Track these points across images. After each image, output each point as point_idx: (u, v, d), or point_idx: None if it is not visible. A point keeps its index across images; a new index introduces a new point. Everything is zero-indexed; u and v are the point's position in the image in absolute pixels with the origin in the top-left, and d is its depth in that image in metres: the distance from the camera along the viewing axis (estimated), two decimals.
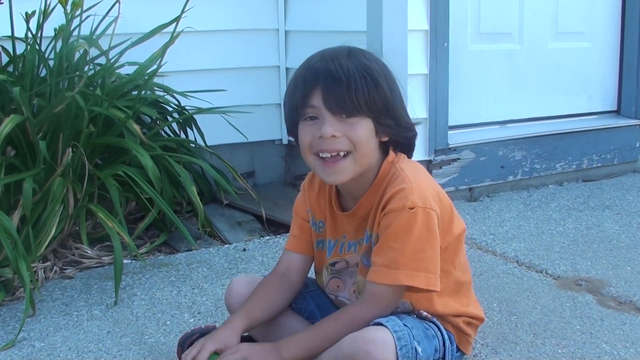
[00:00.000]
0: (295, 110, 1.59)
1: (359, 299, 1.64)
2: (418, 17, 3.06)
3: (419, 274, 1.55)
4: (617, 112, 3.80)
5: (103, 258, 2.61)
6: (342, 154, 1.56)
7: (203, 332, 1.80)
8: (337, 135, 1.55)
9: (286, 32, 3.48)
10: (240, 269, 2.52)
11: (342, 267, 1.73)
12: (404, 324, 1.54)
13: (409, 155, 1.69)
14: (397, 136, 1.62)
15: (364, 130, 1.56)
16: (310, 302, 1.82)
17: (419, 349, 1.54)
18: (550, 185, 3.48)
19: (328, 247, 1.74)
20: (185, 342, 1.79)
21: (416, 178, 1.59)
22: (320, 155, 1.57)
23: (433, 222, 1.55)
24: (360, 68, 1.55)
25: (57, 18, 2.70)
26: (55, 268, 2.50)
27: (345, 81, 1.53)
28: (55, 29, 2.69)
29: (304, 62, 1.62)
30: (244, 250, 2.71)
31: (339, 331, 1.55)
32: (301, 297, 1.81)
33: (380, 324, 1.52)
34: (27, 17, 2.58)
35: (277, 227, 2.95)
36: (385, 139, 1.62)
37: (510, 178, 3.39)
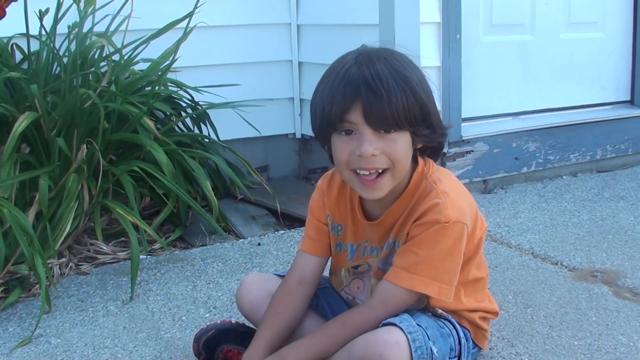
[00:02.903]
0: (331, 124, 1.51)
1: (366, 302, 1.60)
2: (430, 10, 3.03)
3: (434, 283, 1.53)
4: (631, 102, 3.75)
5: (118, 254, 2.60)
6: (380, 170, 1.52)
7: (219, 328, 1.80)
8: (377, 154, 1.49)
9: (298, 26, 3.46)
10: (255, 264, 2.51)
11: (365, 270, 1.70)
12: (417, 324, 1.51)
13: (436, 158, 1.65)
14: (431, 143, 1.57)
15: (403, 146, 1.51)
16: (322, 299, 1.78)
17: (434, 349, 1.51)
18: (564, 177, 3.46)
19: (350, 251, 1.70)
20: (202, 338, 1.79)
21: (451, 190, 1.56)
22: (358, 172, 1.52)
23: (462, 236, 1.54)
24: (399, 80, 1.47)
25: (70, 15, 2.71)
26: (70, 264, 2.50)
27: (386, 96, 1.46)
28: (68, 27, 2.69)
29: (336, 65, 1.53)
30: (259, 244, 2.70)
31: (346, 336, 1.52)
32: (313, 295, 1.76)
33: (394, 325, 1.49)
34: (41, 15, 2.58)
35: (292, 221, 2.94)
36: (419, 146, 1.57)
37: (524, 169, 3.37)
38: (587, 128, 3.49)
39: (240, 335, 1.77)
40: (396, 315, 1.54)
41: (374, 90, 1.46)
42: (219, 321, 1.84)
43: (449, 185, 1.57)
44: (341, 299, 1.77)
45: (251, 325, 1.80)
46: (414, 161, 1.60)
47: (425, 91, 1.52)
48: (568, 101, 3.61)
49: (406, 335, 1.46)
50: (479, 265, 1.69)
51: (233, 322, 1.84)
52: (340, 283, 1.76)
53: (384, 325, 1.50)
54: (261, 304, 1.71)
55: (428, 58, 3.03)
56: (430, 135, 1.55)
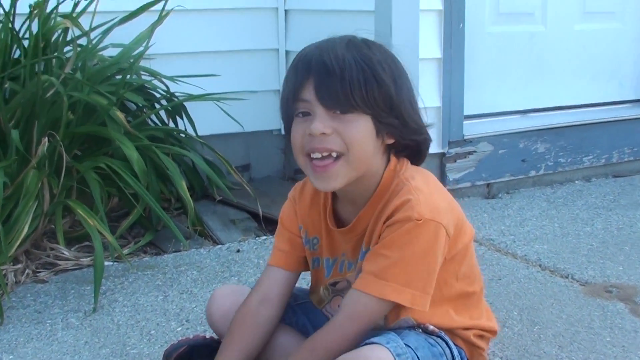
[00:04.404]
0: (286, 104, 1.55)
1: (332, 319, 1.57)
2: None
3: (406, 290, 1.50)
4: None
5: (81, 260, 2.60)
6: (334, 154, 1.50)
7: (191, 344, 1.79)
8: (328, 133, 1.49)
9: (286, 11, 3.47)
10: (234, 272, 2.51)
11: (344, 287, 1.67)
12: (406, 344, 1.49)
13: (418, 161, 1.63)
14: (403, 138, 1.56)
15: (359, 129, 1.50)
16: (302, 315, 1.77)
17: None
18: (576, 181, 3.47)
19: (326, 267, 1.69)
20: (172, 355, 1.78)
21: (425, 188, 1.54)
22: (311, 156, 1.52)
23: (438, 238, 1.51)
24: (358, 58, 1.49)
25: None
26: (27, 271, 2.49)
27: (339, 72, 1.47)
28: (30, 5, 2.66)
29: (299, 51, 1.57)
30: (238, 251, 2.70)
31: None
32: (290, 311, 1.76)
33: (379, 345, 1.47)
34: None
35: (275, 226, 2.88)
36: (390, 141, 1.56)
37: (532, 173, 3.38)
38: (603, 128, 3.50)
39: (215, 352, 1.72)
40: (375, 331, 1.53)
41: (327, 67, 1.48)
42: (191, 336, 1.84)
43: (423, 183, 1.56)
44: (322, 315, 1.74)
45: None
46: (387, 161, 1.60)
47: (393, 76, 1.52)
48: (582, 98, 3.63)
49: (394, 358, 1.44)
50: (469, 277, 1.67)
51: (207, 337, 1.83)
52: (320, 301, 1.74)
53: (367, 344, 1.48)
54: None
55: (428, 49, 3.04)
56: (400, 127, 1.54)
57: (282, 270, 1.71)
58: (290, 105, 1.53)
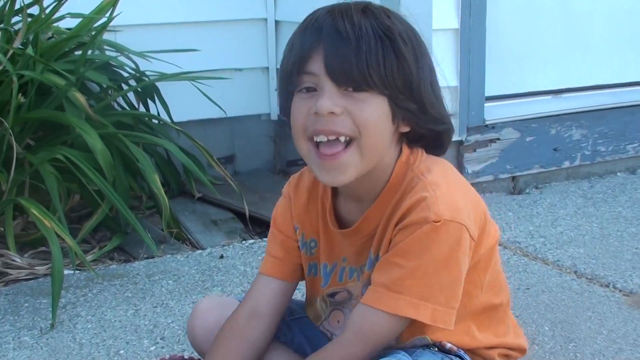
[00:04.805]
0: (288, 77, 1.52)
1: (339, 337, 1.58)
2: None
3: (426, 305, 1.49)
4: None
5: (36, 268, 2.61)
6: (342, 139, 1.49)
7: None
8: (337, 112, 1.47)
9: None
10: (217, 282, 2.53)
11: (343, 298, 1.69)
12: None
13: (438, 154, 1.64)
14: (420, 127, 1.55)
15: (374, 110, 1.49)
16: (298, 333, 1.78)
17: None
18: (619, 173, 3.50)
19: (323, 274, 1.69)
20: None
21: (444, 182, 1.54)
22: (315, 139, 1.50)
23: (461, 241, 1.50)
24: (378, 28, 1.47)
25: None
26: None
27: (354, 42, 1.45)
28: None
29: (307, 16, 1.55)
30: (222, 257, 2.72)
31: None
32: (285, 327, 1.76)
33: None
34: None
35: (264, 227, 2.94)
36: (405, 129, 1.55)
37: (566, 164, 3.41)
38: None
39: None
40: (387, 353, 1.52)
41: (340, 34, 1.46)
42: (167, 356, 1.86)
43: (440, 176, 1.55)
44: (320, 333, 1.76)
45: None
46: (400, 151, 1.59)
47: (415, 53, 1.52)
48: (625, 76, 3.64)
49: None
50: (494, 287, 1.67)
51: (186, 357, 1.85)
52: (317, 316, 1.75)
53: None
54: None
55: (443, 18, 3.05)
56: (419, 114, 1.53)
57: (275, 279, 1.71)
58: (294, 78, 1.51)
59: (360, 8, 1.51)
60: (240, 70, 3.45)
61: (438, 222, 1.47)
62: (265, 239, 2.81)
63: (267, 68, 3.54)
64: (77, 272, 2.60)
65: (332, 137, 1.48)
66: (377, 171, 1.55)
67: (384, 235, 1.56)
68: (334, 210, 1.66)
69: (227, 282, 2.52)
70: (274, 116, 3.58)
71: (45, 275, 2.57)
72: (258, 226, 2.95)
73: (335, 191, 1.65)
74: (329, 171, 1.51)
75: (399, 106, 1.50)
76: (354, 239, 1.62)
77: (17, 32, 2.60)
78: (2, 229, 2.62)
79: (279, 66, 3.29)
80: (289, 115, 1.55)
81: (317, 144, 1.50)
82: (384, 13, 1.51)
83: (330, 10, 1.51)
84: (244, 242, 2.86)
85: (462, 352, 1.60)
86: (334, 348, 1.55)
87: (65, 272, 2.42)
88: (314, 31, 1.49)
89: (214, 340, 1.68)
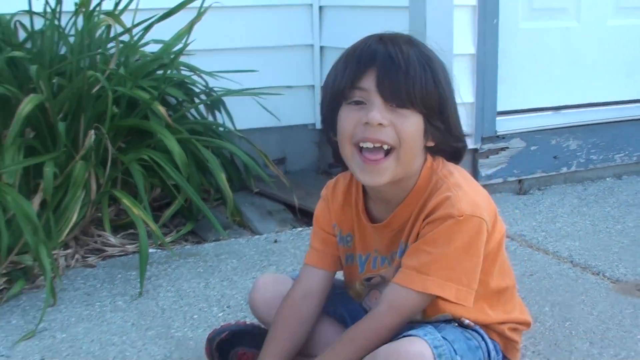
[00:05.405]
0: (340, 91, 1.53)
1: (373, 310, 1.59)
2: None
3: (450, 285, 1.52)
4: None
5: (127, 246, 2.69)
6: (385, 148, 1.51)
7: (233, 330, 1.84)
8: (385, 124, 1.49)
9: (320, 7, 3.54)
10: (272, 262, 2.59)
11: (378, 282, 1.71)
12: (443, 337, 1.51)
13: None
14: (444, 144, 1.58)
15: (413, 125, 1.52)
16: (340, 306, 1.80)
17: None
18: (608, 179, 3.48)
19: (360, 263, 1.72)
20: (215, 340, 1.83)
21: (464, 183, 1.57)
22: (361, 145, 1.52)
23: (480, 232, 1.53)
24: (421, 57, 1.52)
25: None
26: (76, 256, 2.58)
27: (404, 67, 1.49)
28: (75, 4, 2.77)
29: (357, 42, 1.57)
30: (275, 241, 2.78)
31: (357, 352, 1.53)
32: (329, 302, 1.78)
33: (417, 337, 1.49)
34: None
35: (310, 218, 2.93)
36: (430, 144, 1.58)
37: (564, 170, 3.41)
38: (635, 125, 3.51)
39: (256, 337, 1.81)
40: (413, 325, 1.55)
41: (392, 59, 1.49)
42: (233, 322, 1.89)
43: (461, 179, 1.58)
44: (359, 306, 1.78)
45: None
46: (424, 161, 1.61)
47: (446, 81, 1.55)
48: (615, 95, 3.61)
49: (431, 350, 1.46)
50: (501, 273, 1.67)
51: (248, 323, 1.89)
52: (358, 295, 1.78)
53: (405, 336, 1.50)
54: (276, 306, 1.75)
55: (462, 45, 3.08)
56: (445, 132, 1.56)
57: (318, 268, 1.74)
58: (346, 92, 1.52)
59: (405, 39, 1.55)
60: (290, 87, 3.51)
61: (461, 217, 1.50)
62: (310, 228, 2.89)
63: (313, 86, 3.60)
64: (158, 250, 2.67)
65: (377, 145, 1.51)
66: (405, 179, 1.58)
67: (413, 228, 1.58)
68: (366, 209, 1.69)
69: (281, 262, 2.58)
70: (319, 125, 3.57)
71: (133, 252, 2.65)
72: (305, 216, 2.99)
73: (365, 194, 1.68)
74: (369, 173, 1.54)
75: (431, 124, 1.54)
76: (384, 232, 1.65)
77: (111, 55, 2.68)
78: (100, 214, 2.69)
79: (322, 84, 3.33)
80: (331, 122, 1.58)
81: (361, 149, 1.53)
82: (424, 46, 1.57)
83: (382, 39, 1.54)
84: (294, 229, 2.91)
85: (478, 327, 1.63)
86: (370, 319, 1.58)
87: (150, 250, 2.49)
88: (369, 55, 1.51)
89: (275, 316, 1.72)
